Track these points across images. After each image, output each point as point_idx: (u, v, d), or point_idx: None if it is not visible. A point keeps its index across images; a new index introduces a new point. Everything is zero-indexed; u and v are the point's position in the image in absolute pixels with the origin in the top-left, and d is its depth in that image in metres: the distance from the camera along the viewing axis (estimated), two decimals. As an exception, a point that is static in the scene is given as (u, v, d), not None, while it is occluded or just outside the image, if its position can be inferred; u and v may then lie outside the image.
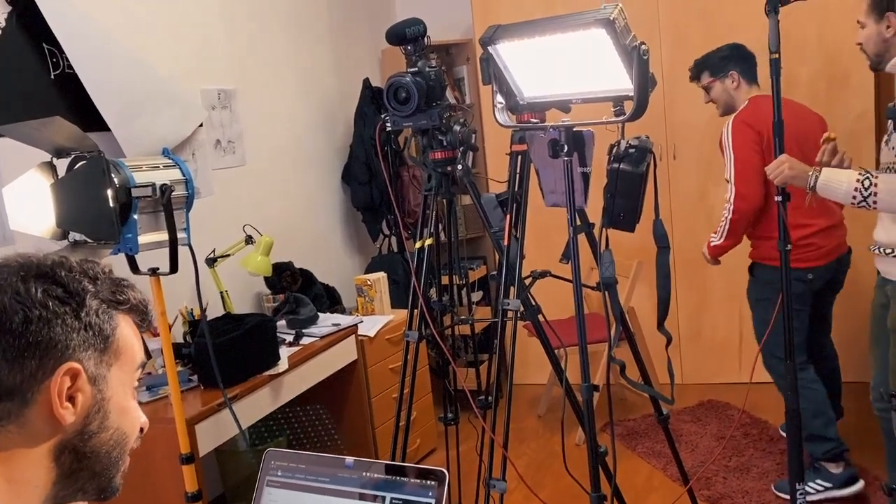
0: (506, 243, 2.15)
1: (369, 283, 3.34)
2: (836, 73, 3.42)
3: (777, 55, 1.75)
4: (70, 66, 2.53)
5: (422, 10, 4.35)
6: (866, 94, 3.39)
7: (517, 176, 2.17)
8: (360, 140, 3.88)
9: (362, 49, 4.26)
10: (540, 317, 2.20)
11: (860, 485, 2.71)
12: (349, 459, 1.18)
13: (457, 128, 2.20)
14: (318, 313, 3.05)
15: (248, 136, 3.32)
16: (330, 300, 3.42)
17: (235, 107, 3.26)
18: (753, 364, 2.24)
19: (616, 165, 1.58)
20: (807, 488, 2.63)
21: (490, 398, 2.46)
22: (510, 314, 2.15)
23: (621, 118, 1.45)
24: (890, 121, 1.98)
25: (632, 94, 1.39)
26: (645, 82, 1.37)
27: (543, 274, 2.39)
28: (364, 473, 1.16)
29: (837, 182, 1.91)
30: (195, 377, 2.45)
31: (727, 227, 2.74)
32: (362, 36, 4.26)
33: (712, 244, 2.80)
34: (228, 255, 2.92)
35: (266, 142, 3.45)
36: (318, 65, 3.88)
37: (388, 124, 2.23)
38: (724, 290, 3.76)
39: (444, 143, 2.23)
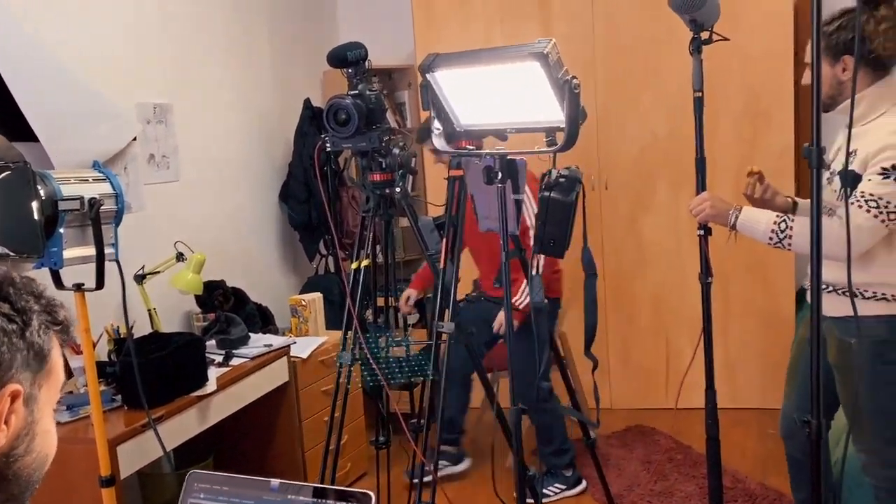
0: (441, 266, 2.18)
1: (304, 303, 3.31)
2: (759, 111, 3.59)
3: (700, 94, 1.83)
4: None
5: (365, 34, 4.39)
6: (786, 133, 3.56)
7: (454, 200, 2.21)
8: (300, 159, 3.86)
9: (304, 69, 4.26)
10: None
11: (584, 484, 3.15)
12: (274, 482, 1.17)
13: (396, 151, 2.23)
14: (250, 334, 3.00)
15: (183, 152, 3.27)
16: (262, 320, 3.38)
17: (171, 121, 3.21)
18: (679, 390, 2.31)
19: (546, 194, 1.63)
20: (547, 491, 3.05)
21: (422, 421, 2.47)
22: (444, 337, 2.17)
23: (553, 148, 1.50)
24: (832, 163, 2.03)
25: (563, 125, 1.44)
26: (576, 115, 1.42)
27: (478, 297, 2.43)
28: (289, 496, 1.15)
29: (756, 222, 1.96)
30: (119, 397, 2.38)
31: None
32: (305, 56, 4.26)
33: None
34: (158, 272, 2.85)
35: (202, 158, 3.40)
36: (259, 83, 3.86)
37: (328, 145, 2.24)
38: (652, 317, 3.87)
39: (383, 166, 2.25)
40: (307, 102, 3.94)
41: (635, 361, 3.93)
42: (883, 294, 1.94)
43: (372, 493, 1.10)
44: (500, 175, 1.56)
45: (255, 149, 3.80)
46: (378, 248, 2.43)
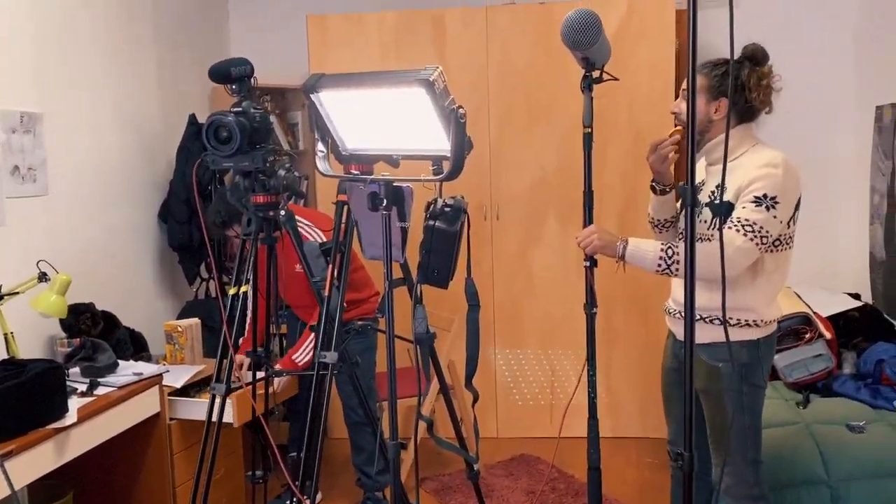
0: (326, 293, 2.11)
1: (180, 329, 3.13)
2: (643, 149, 3.73)
3: (590, 129, 1.87)
4: None
5: (258, 51, 4.31)
6: (667, 172, 3.72)
7: (342, 226, 2.15)
8: (182, 177, 3.69)
9: (192, 84, 4.09)
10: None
11: None
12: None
13: (281, 172, 2.16)
14: (119, 361, 2.80)
15: (52, 164, 3.04)
16: (135, 346, 3.17)
17: (41, 131, 2.99)
18: (562, 418, 2.33)
19: (431, 223, 1.60)
20: None
21: (301, 454, 2.37)
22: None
23: (438, 177, 1.48)
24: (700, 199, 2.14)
25: (448, 154, 1.42)
26: (461, 144, 1.41)
27: (365, 325, 2.38)
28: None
29: (644, 252, 2.04)
30: (-38, 430, 2.15)
31: None
32: (193, 70, 4.10)
33: None
34: (17, 293, 2.63)
35: (74, 172, 3.18)
36: (143, 95, 3.67)
37: (208, 162, 2.14)
38: (539, 346, 3.92)
39: (267, 187, 2.17)
40: (192, 118, 3.79)
41: (521, 391, 3.96)
42: (746, 320, 2.09)
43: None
44: (384, 202, 1.52)
45: (134, 164, 3.60)
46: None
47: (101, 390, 2.60)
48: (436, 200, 1.60)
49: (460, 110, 1.40)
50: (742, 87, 2.05)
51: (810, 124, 4.07)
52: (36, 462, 2.22)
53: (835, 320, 3.36)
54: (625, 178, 3.74)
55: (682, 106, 2.13)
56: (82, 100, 3.24)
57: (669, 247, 2.04)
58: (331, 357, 2.06)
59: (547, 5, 3.74)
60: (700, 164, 2.22)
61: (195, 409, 2.87)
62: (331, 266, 2.13)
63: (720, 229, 1.64)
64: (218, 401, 2.17)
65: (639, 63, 3.64)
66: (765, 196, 1.98)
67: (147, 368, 2.81)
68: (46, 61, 3.03)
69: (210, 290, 3.89)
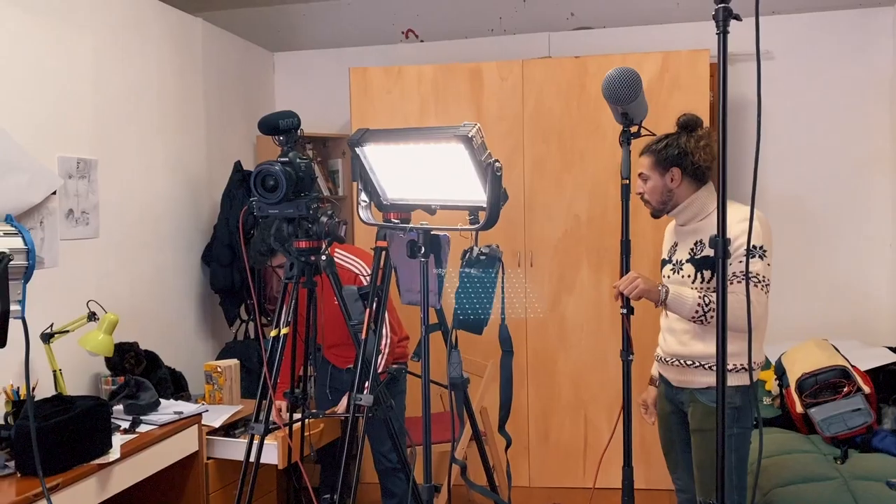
0: (363, 337, 2.17)
1: (219, 369, 3.21)
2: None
3: (628, 181, 1.95)
4: (-89, 118, 2.37)
5: (301, 101, 4.49)
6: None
7: (379, 271, 2.22)
8: (226, 222, 3.81)
9: (237, 132, 4.26)
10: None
11: None
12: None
13: (324, 219, 2.24)
14: (161, 399, 2.88)
15: (105, 208, 3.19)
16: (175, 386, 3.25)
17: (95, 177, 3.14)
18: (597, 469, 2.33)
19: (467, 270, 1.66)
20: None
21: (335, 497, 2.40)
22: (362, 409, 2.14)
23: (474, 227, 1.54)
24: (672, 256, 2.39)
25: (485, 205, 1.48)
26: (497, 197, 1.47)
27: (399, 370, 2.42)
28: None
29: (684, 298, 2.17)
30: (12, 463, 2.24)
31: None
32: (239, 120, 4.27)
33: None
34: (67, 332, 2.73)
35: (124, 215, 3.32)
36: (190, 143, 3.83)
37: (254, 209, 2.23)
38: (572, 394, 3.91)
39: (310, 233, 2.25)
40: (237, 165, 3.93)
41: (554, 439, 3.95)
42: (740, 365, 2.22)
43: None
44: (423, 249, 1.59)
45: (181, 209, 3.74)
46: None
47: (142, 428, 2.67)
48: (472, 248, 1.66)
49: (496, 164, 1.46)
50: (685, 153, 2.26)
51: (845, 174, 4.07)
52: (80, 496, 2.28)
53: (874, 374, 3.32)
54: (658, 227, 3.76)
55: (648, 186, 2.33)
56: (134, 147, 3.40)
57: (706, 295, 2.18)
58: (366, 399, 2.11)
59: (581, 59, 3.84)
60: (669, 228, 2.46)
61: (232, 448, 2.93)
62: (368, 310, 2.19)
63: (746, 283, 1.69)
64: (256, 441, 2.22)
65: (672, 115, 3.69)
66: (754, 247, 2.15)
67: (187, 407, 2.89)
68: (103, 111, 3.20)
69: (249, 331, 3.97)
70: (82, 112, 3.08)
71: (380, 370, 2.89)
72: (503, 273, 1.64)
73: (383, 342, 2.93)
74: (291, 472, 2.44)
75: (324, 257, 2.28)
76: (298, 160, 2.19)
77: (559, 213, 3.87)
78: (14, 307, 1.88)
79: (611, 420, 3.82)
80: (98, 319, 2.78)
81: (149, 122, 3.51)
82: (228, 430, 3.05)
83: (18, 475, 2.22)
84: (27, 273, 1.93)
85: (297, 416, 2.53)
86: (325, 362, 3.19)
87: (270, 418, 2.28)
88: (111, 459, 2.38)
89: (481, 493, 1.97)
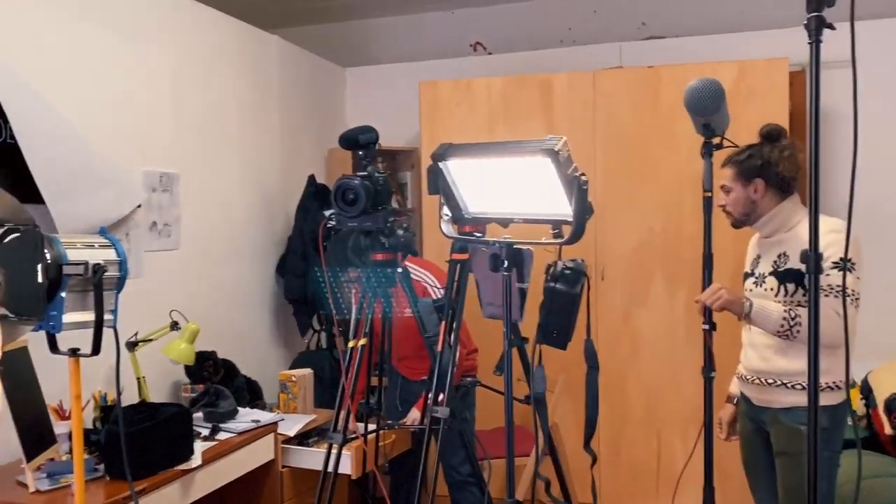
0: (439, 349, 2.17)
1: (294, 379, 3.27)
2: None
3: (710, 194, 1.92)
4: (12, 137, 2.49)
5: (371, 115, 4.54)
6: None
7: (455, 284, 2.22)
8: (300, 233, 3.89)
9: (309, 146, 4.35)
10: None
11: None
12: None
13: (400, 232, 2.26)
14: (238, 408, 2.95)
15: (185, 221, 3.29)
16: (251, 394, 3.33)
17: (177, 191, 3.25)
18: (675, 489, 2.28)
19: (552, 284, 1.65)
20: None
21: (410, 508, 2.41)
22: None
23: (560, 241, 1.53)
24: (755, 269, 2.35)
25: (570, 219, 1.47)
26: (583, 210, 1.46)
27: (474, 383, 2.42)
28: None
29: (768, 312, 2.12)
30: (101, 466, 2.32)
31: None
32: (311, 134, 4.36)
33: None
34: (151, 340, 2.83)
35: (203, 228, 3.42)
36: (265, 157, 3.93)
37: (331, 222, 2.27)
38: (644, 411, 3.83)
39: (386, 246, 2.27)
40: (311, 179, 4.01)
41: (625, 456, 3.87)
42: (826, 383, 2.15)
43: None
44: (505, 263, 1.58)
45: (256, 222, 3.84)
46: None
47: (221, 435, 2.74)
48: (556, 263, 1.65)
49: (582, 178, 1.45)
50: (768, 164, 2.23)
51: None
52: (164, 501, 2.35)
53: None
54: (737, 242, 3.66)
55: (730, 198, 2.31)
56: (213, 162, 3.51)
57: (790, 309, 2.12)
58: (443, 412, 2.11)
59: (655, 68, 3.78)
60: (752, 240, 2.42)
61: (307, 457, 2.97)
62: (444, 323, 2.19)
63: (843, 297, 1.63)
64: (334, 451, 2.25)
65: (749, 126, 3.59)
66: (841, 260, 2.08)
67: (263, 416, 2.94)
68: (184, 126, 3.31)
69: (321, 341, 4.03)
70: (164, 127, 3.20)
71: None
72: (588, 288, 1.62)
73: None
74: (368, 482, 2.46)
75: (399, 270, 2.30)
76: (376, 174, 2.22)
77: (631, 226, 3.80)
78: (107, 316, 1.96)
79: (685, 438, 3.72)
80: (180, 329, 2.86)
81: (227, 137, 3.61)
82: (302, 439, 3.10)
83: (107, 478, 2.30)
84: (119, 284, 2.01)
85: (372, 426, 2.55)
86: (396, 374, 3.21)
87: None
88: (193, 465, 2.44)
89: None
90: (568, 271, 1.62)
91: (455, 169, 1.61)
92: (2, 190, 1.84)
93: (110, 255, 2.00)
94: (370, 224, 2.19)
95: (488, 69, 4.41)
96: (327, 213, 3.84)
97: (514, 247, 1.60)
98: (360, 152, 2.23)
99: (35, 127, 2.53)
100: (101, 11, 2.86)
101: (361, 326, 2.31)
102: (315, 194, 3.93)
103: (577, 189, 1.43)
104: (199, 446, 2.56)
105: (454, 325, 2.22)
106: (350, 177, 2.16)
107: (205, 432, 2.71)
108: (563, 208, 1.49)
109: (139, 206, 3.01)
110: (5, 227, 1.90)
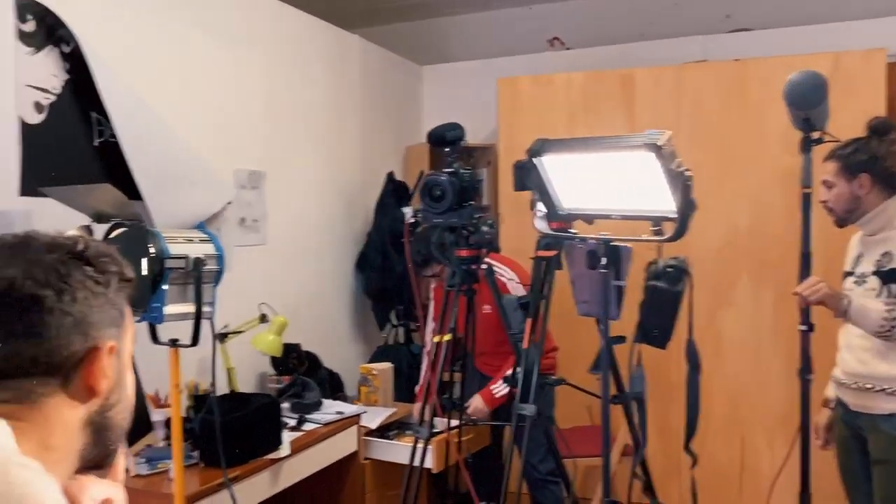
0: (525, 346, 2.17)
1: (375, 372, 3.32)
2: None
3: (809, 190, 1.85)
4: (113, 136, 2.60)
5: (448, 112, 4.54)
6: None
7: (541, 282, 2.21)
8: (379, 229, 3.95)
9: (388, 144, 4.40)
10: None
11: None
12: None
13: (484, 228, 2.27)
14: (323, 399, 3.01)
15: (271, 217, 3.38)
16: (333, 387, 3.39)
17: (264, 188, 3.34)
18: (769, 496, 2.22)
19: (654, 283, 1.62)
20: None
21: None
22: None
23: (661, 238, 1.51)
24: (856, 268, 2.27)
25: (671, 215, 1.45)
26: (687, 206, 1.43)
27: (559, 381, 2.40)
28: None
29: (867, 310, 2.05)
30: (196, 454, 2.41)
31: None
32: (389, 132, 4.41)
33: None
34: (241, 332, 2.91)
35: (288, 224, 3.51)
36: (346, 155, 4.00)
37: (414, 218, 2.30)
38: (728, 413, 3.73)
39: (471, 242, 2.28)
40: (390, 176, 4.05)
41: (707, 458, 3.77)
42: None
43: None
44: (604, 260, 1.57)
45: (337, 218, 3.91)
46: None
47: (307, 426, 2.80)
48: (657, 261, 1.62)
49: (687, 173, 1.42)
50: (875, 158, 2.14)
51: None
52: (255, 489, 2.43)
53: None
54: (829, 240, 3.53)
55: (832, 193, 2.22)
56: (297, 159, 3.59)
57: (894, 309, 2.04)
58: (529, 410, 2.11)
59: (742, 61, 3.67)
60: (854, 238, 2.32)
61: (389, 450, 3.01)
62: (529, 320, 2.19)
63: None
64: (420, 445, 2.28)
65: (844, 120, 3.45)
66: None
67: (347, 408, 3.00)
68: (271, 125, 3.40)
69: (399, 336, 4.08)
70: (254, 127, 3.29)
71: (506, 390, 2.88)
72: (691, 286, 1.59)
73: None
74: (447, 477, 2.48)
75: (484, 266, 2.31)
76: (462, 171, 2.23)
77: (717, 224, 3.70)
78: (206, 308, 2.03)
79: (772, 443, 3.61)
80: (269, 321, 2.94)
81: (310, 136, 3.69)
82: (384, 431, 3.15)
83: (202, 465, 2.38)
84: (217, 277, 2.08)
85: (455, 421, 2.57)
86: (474, 370, 3.23)
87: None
88: (282, 455, 2.51)
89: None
90: (670, 269, 1.59)
91: (551, 164, 1.60)
92: (110, 186, 1.92)
93: (209, 249, 2.08)
94: (456, 220, 2.21)
95: (566, 65, 4.37)
96: (407, 209, 3.89)
97: (612, 244, 1.58)
98: (447, 149, 2.24)
99: (135, 126, 2.63)
100: (198, 15, 2.97)
101: (447, 322, 2.33)
102: (393, 191, 3.98)
103: (682, 184, 1.40)
104: (287, 436, 2.63)
105: (539, 323, 2.21)
106: (437, 173, 2.18)
107: (291, 422, 2.78)
108: (665, 204, 1.46)
109: (229, 203, 3.10)
110: (113, 223, 1.99)
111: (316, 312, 3.71)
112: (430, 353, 3.27)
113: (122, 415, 0.91)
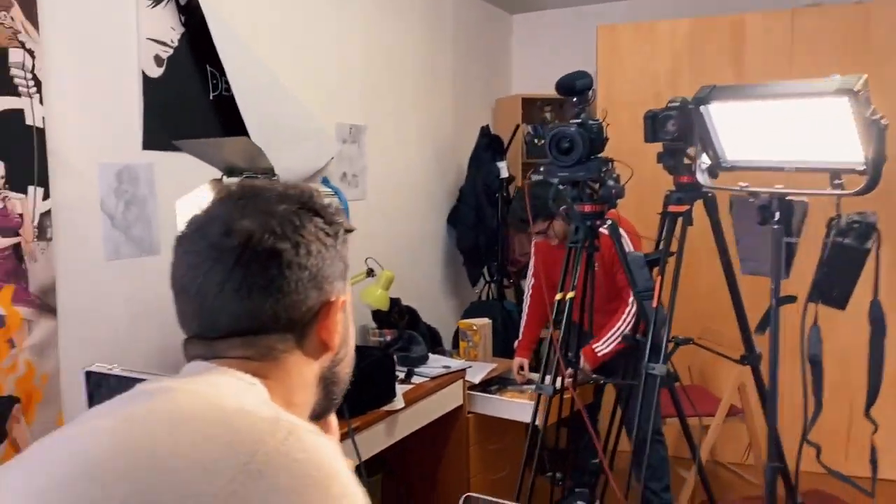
0: (654, 305, 2.11)
1: (475, 327, 3.31)
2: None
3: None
4: (227, 90, 2.61)
5: (537, 63, 4.44)
6: None
7: (672, 238, 2.14)
8: (472, 184, 3.90)
9: (479, 97, 4.32)
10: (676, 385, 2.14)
11: None
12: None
13: (610, 182, 2.19)
14: (429, 354, 3.02)
15: (370, 172, 3.37)
16: (432, 341, 3.40)
17: (364, 142, 3.32)
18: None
19: (840, 239, 1.53)
20: None
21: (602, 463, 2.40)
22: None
23: (850, 192, 1.41)
24: None
25: (858, 167, 1.35)
26: (881, 156, 1.33)
27: (686, 340, 2.34)
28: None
29: None
30: (315, 405, 2.44)
31: None
32: (479, 84, 4.32)
33: None
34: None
35: (386, 179, 3.49)
36: (440, 110, 3.94)
37: (541, 173, 2.23)
38: (839, 374, 3.59)
39: (595, 197, 2.21)
40: (484, 130, 3.98)
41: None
42: None
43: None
44: (776, 216, 1.48)
45: (431, 172, 3.87)
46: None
47: (415, 379, 2.82)
48: (840, 216, 1.53)
49: (882, 121, 1.32)
50: None
51: None
52: (374, 439, 2.45)
53: None
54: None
55: None
56: (395, 114, 3.55)
57: None
58: (660, 370, 2.06)
59: (864, 5, 3.44)
60: None
61: (493, 405, 3.01)
62: (660, 278, 2.12)
63: None
64: (543, 401, 2.26)
65: None
66: None
67: (453, 363, 3.00)
68: (370, 80, 3.36)
69: (491, 292, 4.05)
70: (354, 80, 3.26)
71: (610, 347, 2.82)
72: (879, 243, 1.49)
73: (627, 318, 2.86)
74: (546, 434, 2.46)
75: (609, 222, 2.24)
76: (590, 122, 2.15)
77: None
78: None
79: (883, 406, 3.47)
80: (375, 276, 2.94)
81: (405, 89, 3.64)
82: (484, 386, 3.14)
83: (321, 416, 2.41)
84: (344, 231, 2.07)
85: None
86: (578, 326, 3.18)
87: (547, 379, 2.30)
88: (397, 407, 2.52)
89: (841, 480, 1.83)
90: (857, 225, 1.50)
91: (717, 113, 1.51)
92: (246, 138, 1.91)
93: (335, 203, 2.07)
94: (583, 174, 2.14)
95: (666, 10, 4.18)
96: (501, 164, 3.82)
97: (787, 199, 1.50)
98: (574, 98, 2.16)
99: (249, 80, 2.63)
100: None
101: (569, 279, 2.28)
102: (488, 145, 3.91)
103: (877, 133, 1.30)
104: (399, 389, 2.64)
105: (675, 281, 2.14)
106: (566, 124, 2.11)
107: (400, 376, 2.80)
108: (850, 155, 1.36)
109: (333, 158, 3.09)
110: (245, 176, 1.99)
111: (412, 268, 3.70)
112: (528, 309, 3.24)
113: (347, 369, 0.90)
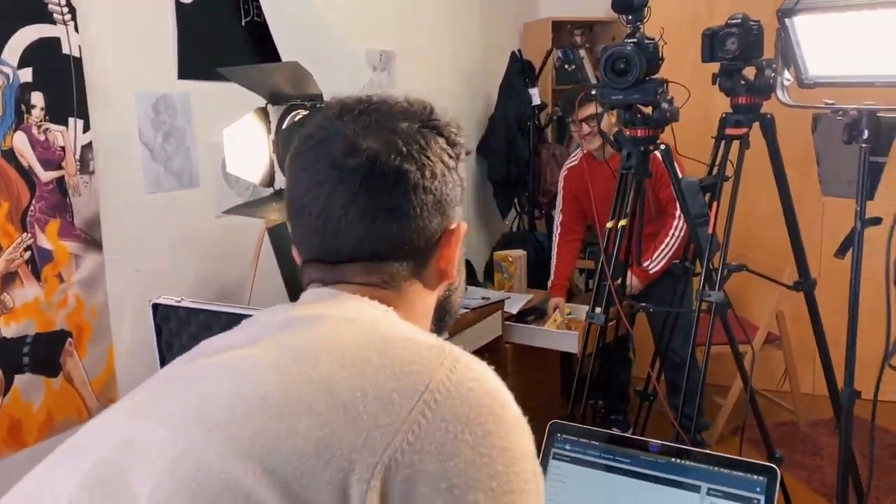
0: (710, 232, 2.06)
1: (510, 259, 3.27)
2: None
3: None
4: (259, 15, 2.51)
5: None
6: None
7: (728, 162, 2.07)
8: (503, 113, 3.80)
9: (505, 22, 4.17)
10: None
11: None
12: (654, 443, 1.12)
13: (665, 105, 2.11)
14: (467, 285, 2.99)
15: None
16: (467, 273, 3.37)
17: (393, 69, 3.22)
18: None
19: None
20: None
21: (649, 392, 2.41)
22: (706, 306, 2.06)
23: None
24: None
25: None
26: None
27: (739, 267, 2.30)
28: (674, 459, 1.10)
29: None
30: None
31: None
32: (505, 8, 4.16)
33: None
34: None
35: (416, 107, 3.40)
36: (467, 35, 3.81)
37: (594, 96, 2.15)
38: (872, 299, 3.56)
39: (648, 121, 2.13)
40: (515, 55, 3.85)
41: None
42: None
43: (777, 468, 1.03)
44: (865, 134, 1.42)
45: (460, 101, 3.77)
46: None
47: (457, 311, 2.80)
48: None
49: None
50: None
51: None
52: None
53: None
54: None
55: None
56: (423, 40, 3.43)
57: None
58: (716, 297, 2.02)
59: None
60: None
61: (531, 334, 3.00)
62: (716, 204, 2.06)
63: None
64: (594, 331, 2.24)
65: None
66: None
67: (492, 294, 2.98)
68: (399, 4, 3.23)
69: (523, 223, 4.01)
70: (383, 6, 3.13)
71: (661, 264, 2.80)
72: None
73: (676, 232, 2.84)
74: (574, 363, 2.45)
75: (663, 146, 2.17)
76: (646, 41, 2.05)
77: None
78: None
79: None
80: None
81: (433, 13, 3.51)
82: (520, 317, 3.13)
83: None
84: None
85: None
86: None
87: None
88: (443, 338, 2.51)
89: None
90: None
91: (802, 26, 1.43)
92: (297, 62, 1.83)
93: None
94: (639, 96, 2.05)
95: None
96: (534, 91, 3.72)
97: (877, 115, 1.43)
98: (630, 16, 2.06)
99: (280, 6, 2.53)
100: None
101: (621, 206, 2.22)
102: (521, 71, 3.79)
103: None
104: (440, 319, 2.63)
105: (731, 207, 2.08)
106: (621, 44, 2.01)
107: (440, 307, 2.78)
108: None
109: (364, 86, 3.00)
110: (289, 104, 1.92)
111: (444, 199, 3.65)
112: (558, 248, 3.21)
113: (459, 297, 0.86)
